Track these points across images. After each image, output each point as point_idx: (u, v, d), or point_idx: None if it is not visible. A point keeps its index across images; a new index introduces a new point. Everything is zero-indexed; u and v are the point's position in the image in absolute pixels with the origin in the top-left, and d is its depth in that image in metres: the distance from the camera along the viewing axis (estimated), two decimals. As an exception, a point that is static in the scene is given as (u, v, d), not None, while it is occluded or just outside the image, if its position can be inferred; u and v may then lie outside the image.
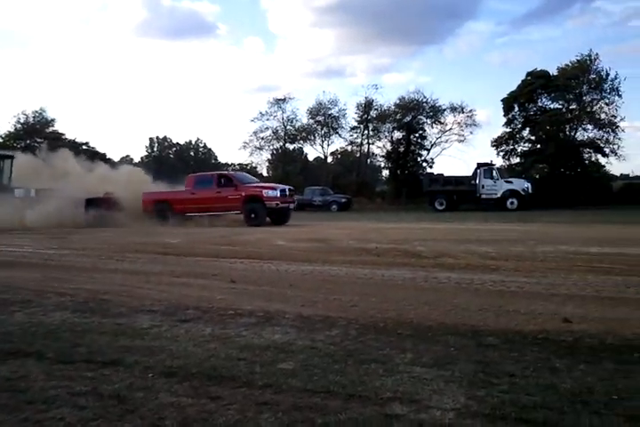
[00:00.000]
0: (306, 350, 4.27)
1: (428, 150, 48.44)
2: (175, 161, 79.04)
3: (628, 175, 50.45)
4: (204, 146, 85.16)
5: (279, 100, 51.04)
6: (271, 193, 20.99)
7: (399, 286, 7.21)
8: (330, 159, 54.38)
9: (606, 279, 7.30)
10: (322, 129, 50.96)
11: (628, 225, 18.60)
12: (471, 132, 47.03)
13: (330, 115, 50.33)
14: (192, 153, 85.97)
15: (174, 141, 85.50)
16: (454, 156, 73.69)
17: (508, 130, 43.96)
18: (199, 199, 21.17)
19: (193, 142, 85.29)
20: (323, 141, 51.62)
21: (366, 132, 49.84)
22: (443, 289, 6.89)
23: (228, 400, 3.31)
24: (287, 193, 21.74)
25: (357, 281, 7.60)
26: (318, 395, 3.38)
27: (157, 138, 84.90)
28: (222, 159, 74.29)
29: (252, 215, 20.51)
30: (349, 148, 52.68)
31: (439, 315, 5.42)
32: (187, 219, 20.80)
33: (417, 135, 48.30)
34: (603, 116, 40.55)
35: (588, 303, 5.88)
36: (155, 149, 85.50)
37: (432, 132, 48.20)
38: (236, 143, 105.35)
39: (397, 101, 47.89)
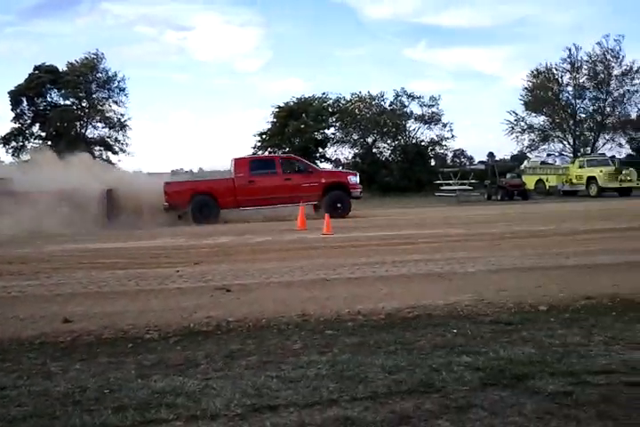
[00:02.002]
0: None
1: None
2: None
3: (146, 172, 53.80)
4: None
5: None
6: (354, 179, 18.38)
7: None
8: None
9: (109, 274, 7.59)
10: None
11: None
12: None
13: None
14: None
15: None
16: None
17: (16, 125, 41.59)
18: (260, 189, 17.23)
19: None
20: None
21: None
22: None
23: None
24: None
25: None
26: None
27: None
28: None
29: (339, 205, 17.44)
30: None
31: None
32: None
33: None
34: (112, 114, 42.02)
35: (90, 300, 6.00)
36: None
37: None
38: None
39: None
